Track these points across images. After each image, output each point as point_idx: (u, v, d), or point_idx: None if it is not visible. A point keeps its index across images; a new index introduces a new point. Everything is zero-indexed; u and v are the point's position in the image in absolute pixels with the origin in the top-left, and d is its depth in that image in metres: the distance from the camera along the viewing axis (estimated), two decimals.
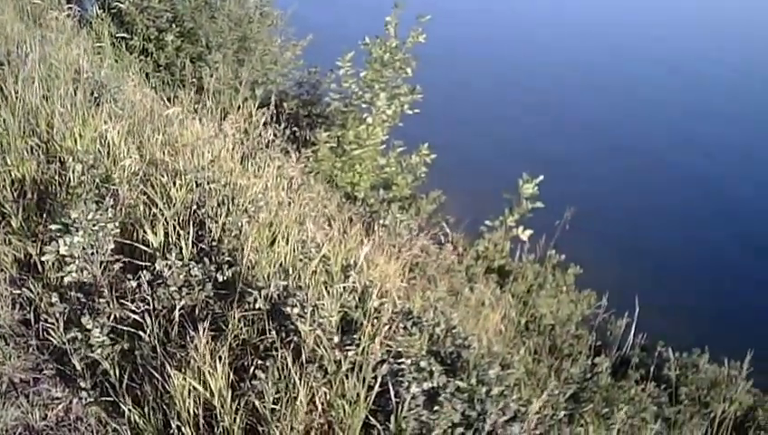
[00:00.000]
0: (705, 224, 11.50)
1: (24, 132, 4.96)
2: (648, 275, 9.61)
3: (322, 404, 3.25)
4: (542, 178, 7.75)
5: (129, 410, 3.33)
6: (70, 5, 8.27)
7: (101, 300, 3.63)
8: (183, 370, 3.28)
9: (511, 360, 4.42)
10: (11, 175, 4.62)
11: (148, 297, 3.59)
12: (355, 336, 3.42)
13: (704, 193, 12.32)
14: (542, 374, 5.50)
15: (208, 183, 4.40)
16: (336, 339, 3.41)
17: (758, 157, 13.59)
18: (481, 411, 3.19)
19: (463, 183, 10.08)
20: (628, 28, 20.10)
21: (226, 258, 3.91)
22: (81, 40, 7.30)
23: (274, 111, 7.40)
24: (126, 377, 3.45)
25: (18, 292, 4.02)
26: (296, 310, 3.42)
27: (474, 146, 12.39)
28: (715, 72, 17.40)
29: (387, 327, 3.52)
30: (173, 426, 3.25)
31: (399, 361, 3.32)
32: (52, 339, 3.61)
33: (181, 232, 3.95)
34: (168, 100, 7.06)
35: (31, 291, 3.95)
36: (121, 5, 8.49)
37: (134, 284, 3.67)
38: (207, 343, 3.35)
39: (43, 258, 3.83)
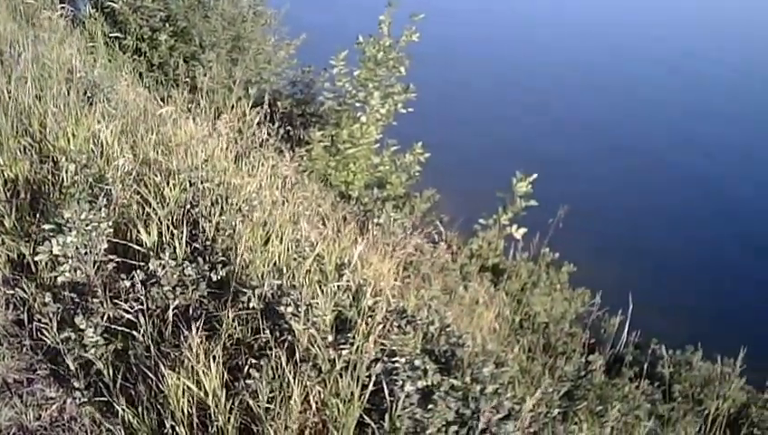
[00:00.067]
0: (699, 223, 11.53)
1: (16, 132, 4.95)
2: (642, 274, 9.63)
3: (317, 403, 3.25)
4: (535, 176, 7.76)
5: (123, 409, 3.32)
6: (63, 5, 8.26)
7: (95, 300, 3.63)
8: (177, 369, 3.28)
9: (505, 358, 4.42)
10: (4, 175, 4.61)
11: (142, 297, 3.59)
12: (349, 335, 3.42)
13: (699, 193, 12.35)
14: (536, 372, 5.51)
15: (202, 182, 4.39)
16: (330, 338, 3.41)
17: (755, 157, 13.62)
18: (475, 410, 3.19)
19: (457, 182, 10.10)
20: (627, 28, 20.14)
21: (220, 258, 3.91)
22: (75, 39, 7.29)
23: (268, 111, 7.42)
24: (120, 377, 3.45)
25: (11, 292, 4.02)
26: (290, 309, 3.42)
27: (469, 145, 12.41)
28: (714, 71, 17.45)
29: (381, 326, 3.52)
30: (167, 426, 3.25)
31: (394, 359, 3.32)
32: (45, 339, 3.60)
33: (175, 231, 3.94)
34: (162, 99, 7.06)
35: (24, 291, 3.95)
36: (114, 5, 8.48)
37: (128, 283, 3.66)
38: (201, 342, 3.34)
39: (36, 258, 3.83)
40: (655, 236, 11.04)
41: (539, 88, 15.26)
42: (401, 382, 3.20)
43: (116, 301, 3.63)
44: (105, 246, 3.85)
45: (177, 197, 4.28)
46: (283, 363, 3.25)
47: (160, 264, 3.67)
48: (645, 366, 6.29)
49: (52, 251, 3.69)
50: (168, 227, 4.02)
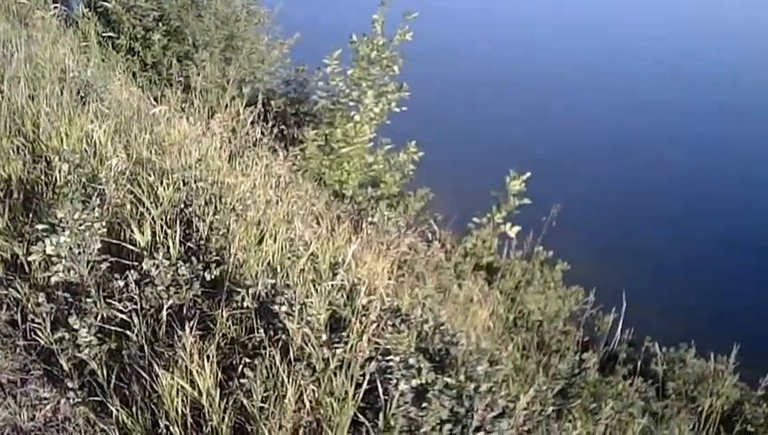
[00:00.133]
0: (692, 222, 11.56)
1: (9, 132, 4.94)
2: (636, 272, 9.66)
3: (311, 402, 3.26)
4: (528, 174, 7.77)
5: (117, 410, 3.32)
6: (56, 5, 8.24)
7: (89, 300, 3.62)
8: (171, 369, 3.28)
9: (499, 356, 4.42)
10: None
11: (136, 297, 3.59)
12: (343, 334, 3.43)
13: (693, 192, 12.39)
14: (530, 370, 5.53)
15: (196, 182, 4.39)
16: (324, 337, 3.41)
17: (750, 156, 13.65)
18: (469, 408, 3.20)
19: (451, 181, 10.11)
20: (626, 28, 20.19)
21: (214, 257, 3.90)
22: (68, 39, 7.28)
23: (262, 110, 7.42)
24: (114, 377, 3.44)
25: (5, 292, 4.00)
26: (284, 308, 3.42)
27: (464, 144, 12.43)
28: (713, 71, 17.53)
29: (375, 324, 3.52)
30: (161, 425, 3.25)
31: (388, 358, 3.33)
32: (39, 339, 3.59)
33: (168, 231, 3.94)
34: (155, 99, 7.05)
35: (18, 291, 3.93)
36: (107, 5, 8.46)
37: (121, 283, 3.66)
38: (195, 342, 3.34)
39: (29, 258, 3.82)
40: (648, 234, 11.07)
41: (535, 87, 15.31)
42: (395, 381, 3.20)
43: (110, 301, 3.62)
44: (98, 245, 3.84)
45: (171, 196, 4.28)
46: (278, 363, 3.25)
47: (154, 263, 3.67)
48: (638, 364, 6.32)
49: (45, 251, 3.68)
50: (162, 227, 4.01)
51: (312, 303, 3.46)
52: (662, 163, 13.08)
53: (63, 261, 3.71)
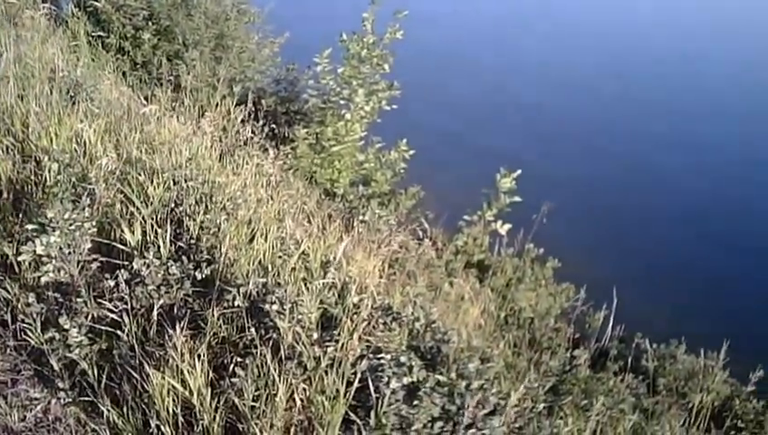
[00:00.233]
0: (683, 220, 11.60)
1: None
2: (626, 269, 9.69)
3: (302, 401, 3.26)
4: (519, 172, 7.79)
5: (108, 410, 3.32)
6: (45, 4, 8.20)
7: (79, 300, 3.61)
8: (162, 369, 3.27)
9: (490, 353, 4.43)
10: None
11: (126, 296, 3.58)
12: (334, 332, 3.43)
13: (683, 191, 12.40)
14: (521, 367, 5.54)
15: (186, 181, 4.38)
16: (315, 335, 3.42)
17: (743, 156, 13.69)
18: (460, 405, 3.21)
19: (443, 179, 10.13)
20: (620, 27, 20.20)
21: (205, 256, 3.90)
22: (57, 39, 7.25)
23: (252, 109, 7.41)
24: (104, 377, 3.44)
25: None
26: (275, 307, 3.42)
27: (455, 143, 12.43)
28: (708, 71, 17.57)
29: (366, 323, 3.53)
30: (152, 425, 3.25)
31: (379, 356, 3.33)
32: (29, 339, 3.58)
33: (159, 230, 3.94)
34: (146, 98, 7.04)
35: (7, 291, 3.92)
36: (97, 4, 8.43)
37: (112, 283, 3.65)
38: (186, 341, 3.34)
39: (19, 258, 3.80)
40: (638, 232, 11.12)
41: (527, 87, 15.32)
42: (387, 379, 3.20)
43: (100, 300, 3.62)
44: (89, 245, 3.83)
45: (162, 195, 4.27)
46: (269, 361, 3.25)
47: (144, 263, 3.66)
48: (629, 360, 6.35)
49: (35, 251, 3.67)
50: (153, 226, 4.01)
51: (303, 301, 3.46)
52: (653, 162, 13.12)
53: (53, 261, 3.70)
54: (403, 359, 3.29)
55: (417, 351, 3.51)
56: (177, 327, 3.36)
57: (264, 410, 3.16)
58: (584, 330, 7.20)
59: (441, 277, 6.70)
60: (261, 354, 3.29)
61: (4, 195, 4.49)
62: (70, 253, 3.73)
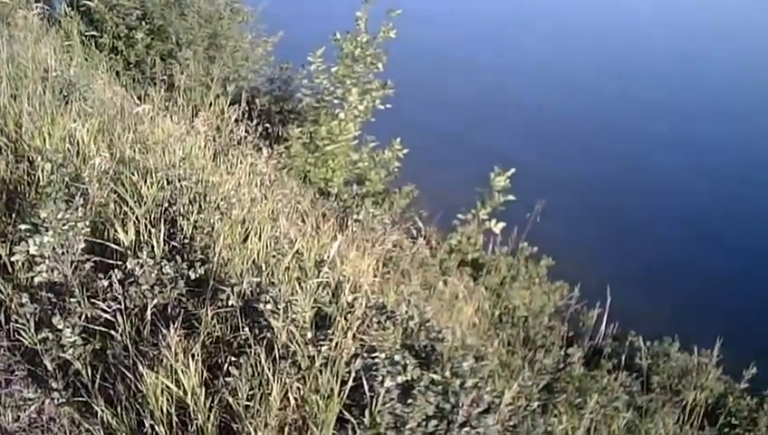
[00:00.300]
0: (675, 219, 11.61)
1: None
2: (620, 267, 9.70)
3: (296, 400, 3.26)
4: (513, 171, 7.79)
5: (102, 410, 3.31)
6: (38, 4, 8.18)
7: (72, 300, 3.61)
8: (156, 368, 3.27)
9: (485, 352, 4.43)
10: None
11: (120, 296, 3.58)
12: (329, 331, 3.43)
13: (677, 190, 12.43)
14: (515, 366, 5.55)
15: (180, 181, 4.38)
16: (309, 334, 3.42)
17: (735, 158, 13.71)
18: (455, 404, 3.21)
19: (436, 177, 10.13)
20: (617, 27, 20.20)
21: (199, 256, 3.90)
22: (50, 39, 7.23)
23: (246, 108, 7.40)
24: (98, 377, 3.43)
25: None
26: (269, 306, 3.42)
27: (449, 142, 12.43)
28: (705, 71, 17.58)
29: (360, 322, 3.53)
30: (146, 425, 3.24)
31: (373, 355, 3.34)
32: (23, 340, 3.57)
33: (153, 230, 3.93)
34: (139, 97, 7.03)
35: (1, 292, 3.91)
36: (90, 4, 8.42)
37: (105, 283, 3.65)
38: (180, 340, 3.34)
39: (12, 259, 3.79)
40: (632, 230, 11.12)
41: (522, 87, 15.32)
42: (381, 378, 3.21)
43: (94, 300, 3.61)
44: (82, 245, 3.83)
45: (155, 195, 4.27)
46: (263, 361, 3.25)
47: (138, 263, 3.66)
48: (623, 358, 6.35)
49: (28, 251, 3.66)
50: (146, 226, 4.00)
51: (297, 300, 3.46)
52: (653, 162, 13.14)
53: (47, 261, 3.69)
54: (397, 358, 3.30)
55: (412, 349, 3.52)
56: (171, 327, 3.36)
57: (258, 410, 3.17)
58: (578, 328, 7.21)
59: (435, 276, 6.71)
60: (255, 354, 3.29)
61: None
62: (63, 253, 3.72)
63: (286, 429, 3.23)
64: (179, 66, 8.25)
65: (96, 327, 3.54)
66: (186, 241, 4.03)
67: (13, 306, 3.79)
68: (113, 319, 3.53)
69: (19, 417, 3.45)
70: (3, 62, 5.60)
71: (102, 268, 3.83)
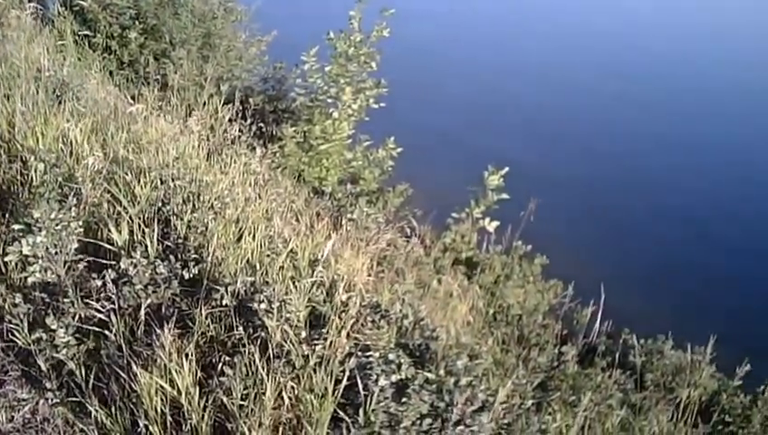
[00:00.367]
0: (669, 218, 11.62)
1: None
2: (614, 265, 9.72)
3: (290, 399, 3.26)
4: (507, 169, 7.81)
5: (96, 410, 3.31)
6: (31, 4, 8.15)
7: (66, 300, 3.60)
8: (150, 368, 3.27)
9: (479, 350, 4.45)
10: None
11: (114, 296, 3.57)
12: (323, 330, 3.44)
13: (672, 190, 12.44)
14: (509, 364, 5.56)
15: (173, 180, 4.38)
16: (304, 334, 3.42)
17: (731, 159, 13.73)
18: (449, 402, 3.22)
19: (431, 176, 10.13)
20: (616, 27, 20.21)
21: (192, 255, 3.90)
22: (43, 38, 7.21)
23: (240, 108, 7.41)
24: (92, 377, 3.42)
25: None
26: (263, 305, 3.43)
27: (443, 141, 12.43)
28: (704, 69, 17.60)
29: (354, 321, 3.54)
30: (140, 425, 3.24)
31: (368, 354, 3.34)
32: (16, 340, 3.57)
33: (146, 230, 3.93)
34: (132, 97, 7.02)
35: None
36: (83, 3, 8.39)
37: (99, 283, 3.64)
38: (174, 340, 3.34)
39: (5, 259, 3.79)
40: (626, 229, 11.15)
41: (518, 87, 15.33)
42: (375, 377, 3.21)
43: (87, 300, 3.61)
44: (75, 245, 3.82)
45: (149, 195, 4.26)
46: (257, 360, 3.25)
47: (132, 262, 3.66)
48: (617, 356, 6.37)
49: (21, 251, 3.66)
50: (140, 226, 4.00)
51: (291, 300, 3.47)
52: (646, 162, 13.16)
53: (40, 261, 3.69)
54: (391, 356, 3.30)
55: (406, 348, 3.52)
56: (165, 327, 3.36)
57: (252, 409, 3.17)
58: (572, 326, 7.22)
59: (429, 275, 6.71)
60: (249, 353, 3.29)
61: None
62: (56, 253, 3.72)
63: (281, 428, 3.23)
64: (173, 66, 8.24)
65: (90, 327, 3.54)
66: (179, 241, 4.03)
67: (6, 306, 3.78)
68: (107, 319, 3.52)
69: (13, 417, 3.44)
70: None
71: (96, 268, 3.82)
